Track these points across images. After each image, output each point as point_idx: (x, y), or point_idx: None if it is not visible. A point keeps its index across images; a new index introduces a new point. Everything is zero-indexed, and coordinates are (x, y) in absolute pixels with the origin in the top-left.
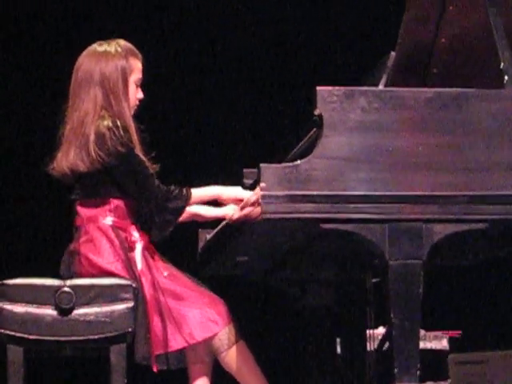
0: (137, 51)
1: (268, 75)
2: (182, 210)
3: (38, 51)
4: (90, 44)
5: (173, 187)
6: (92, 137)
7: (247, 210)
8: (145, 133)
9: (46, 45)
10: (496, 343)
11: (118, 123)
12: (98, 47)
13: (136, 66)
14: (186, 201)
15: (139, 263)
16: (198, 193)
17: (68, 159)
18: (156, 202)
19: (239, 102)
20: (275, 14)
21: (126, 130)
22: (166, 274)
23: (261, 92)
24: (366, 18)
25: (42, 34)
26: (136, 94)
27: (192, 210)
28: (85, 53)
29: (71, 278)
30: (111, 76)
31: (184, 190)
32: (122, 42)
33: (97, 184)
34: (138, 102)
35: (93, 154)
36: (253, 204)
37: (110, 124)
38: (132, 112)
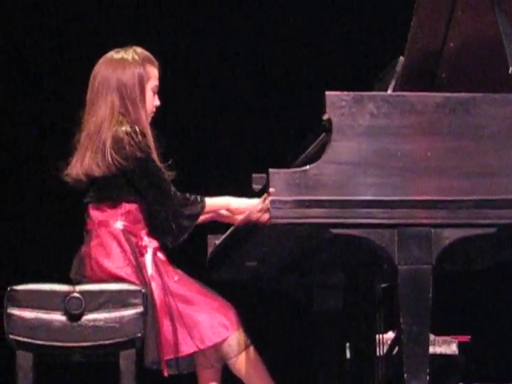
0: (153, 59)
1: (277, 80)
2: (197, 216)
3: (52, 59)
4: (103, 52)
5: (188, 194)
6: (109, 142)
7: (254, 217)
8: (162, 140)
9: (61, 52)
10: (506, 348)
11: (136, 128)
12: (115, 54)
13: (153, 73)
14: (202, 208)
15: (149, 268)
16: (210, 202)
17: (83, 164)
18: (173, 207)
19: (248, 107)
20: (285, 19)
21: (143, 135)
22: (176, 278)
23: (270, 97)
24: (375, 22)
25: (55, 40)
26: (153, 102)
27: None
28: (102, 60)
29: (81, 282)
30: (128, 83)
31: (199, 198)
32: (139, 49)
33: (110, 187)
34: (154, 109)
35: (109, 158)
36: (260, 211)
37: (129, 129)
38: (149, 119)
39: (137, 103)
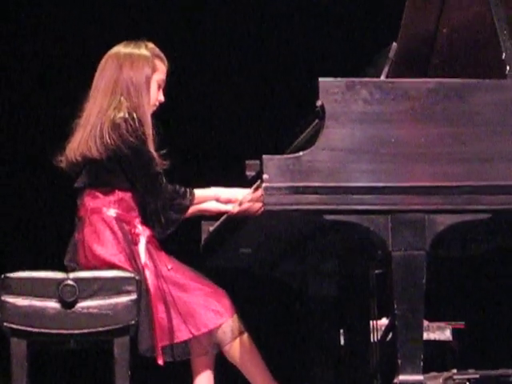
0: (163, 56)
1: (270, 67)
2: (186, 209)
3: (54, 50)
4: (103, 45)
5: (178, 186)
6: (107, 124)
7: (246, 206)
8: (159, 130)
9: (64, 44)
10: (500, 335)
11: (134, 115)
12: (124, 48)
13: (160, 67)
14: (191, 201)
15: (143, 256)
16: (199, 194)
17: (80, 144)
18: (163, 199)
19: (241, 94)
20: (278, 4)
21: (141, 123)
22: (169, 266)
23: (263, 83)
24: (368, 8)
25: (61, 33)
26: (157, 95)
27: (197, 206)
28: (110, 53)
29: (75, 269)
30: (134, 74)
31: (188, 190)
32: (150, 44)
33: (105, 173)
34: (157, 104)
35: (107, 138)
36: (250, 201)
37: (126, 116)
38: (151, 111)
39: (140, 90)
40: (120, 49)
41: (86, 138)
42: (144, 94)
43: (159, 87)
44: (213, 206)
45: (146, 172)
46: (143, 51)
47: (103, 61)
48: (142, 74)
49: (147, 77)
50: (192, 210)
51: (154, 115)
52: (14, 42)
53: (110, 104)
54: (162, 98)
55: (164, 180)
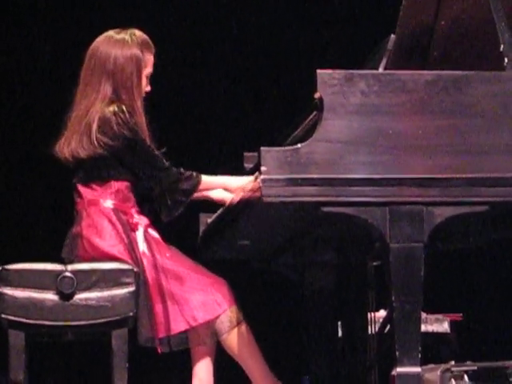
0: (151, 44)
1: (269, 58)
2: (193, 191)
3: (47, 35)
4: (91, 31)
5: (183, 169)
6: (96, 123)
7: (247, 195)
8: (154, 127)
9: (57, 29)
10: (497, 327)
11: (124, 108)
12: (115, 34)
13: (149, 60)
14: (197, 184)
15: (141, 244)
16: (207, 180)
17: (69, 146)
18: (168, 182)
19: (240, 85)
20: None
21: (131, 114)
22: (168, 255)
23: (261, 75)
24: (366, 0)
25: (52, 18)
26: (145, 87)
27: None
28: (101, 38)
29: (73, 261)
30: (125, 67)
31: (194, 174)
32: (138, 32)
33: (99, 167)
34: (144, 95)
35: (95, 140)
36: (250, 190)
37: (116, 109)
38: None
39: (132, 91)
40: (107, 41)
41: (74, 141)
42: (136, 94)
43: (147, 80)
44: (219, 194)
45: (146, 159)
46: (131, 44)
47: (93, 49)
48: (132, 78)
49: (138, 72)
50: (198, 195)
51: (151, 107)
52: (11, 38)
53: (100, 104)
54: (148, 88)
55: (166, 163)
